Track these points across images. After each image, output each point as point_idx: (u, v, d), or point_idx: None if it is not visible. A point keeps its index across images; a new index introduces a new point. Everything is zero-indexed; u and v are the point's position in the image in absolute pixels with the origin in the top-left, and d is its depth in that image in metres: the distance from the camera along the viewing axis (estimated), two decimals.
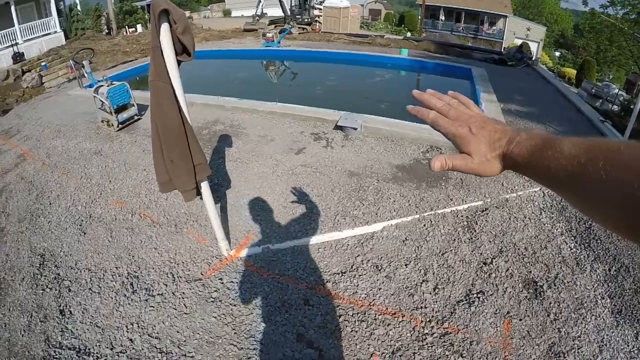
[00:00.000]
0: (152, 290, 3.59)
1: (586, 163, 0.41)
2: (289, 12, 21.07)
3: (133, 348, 3.06)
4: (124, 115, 7.21)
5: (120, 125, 7.13)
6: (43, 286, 3.78)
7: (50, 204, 5.04)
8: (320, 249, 3.97)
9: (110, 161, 6.02)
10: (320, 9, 22.29)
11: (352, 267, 3.71)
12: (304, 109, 7.35)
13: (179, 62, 2.74)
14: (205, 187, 3.32)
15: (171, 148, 2.92)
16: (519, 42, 23.10)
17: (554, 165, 0.46)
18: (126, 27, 21.04)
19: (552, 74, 13.07)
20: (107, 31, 20.50)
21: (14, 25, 16.57)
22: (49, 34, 18.07)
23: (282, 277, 3.62)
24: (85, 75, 10.29)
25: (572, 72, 22.01)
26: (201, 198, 3.44)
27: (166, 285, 3.64)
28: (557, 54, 36.82)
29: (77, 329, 3.28)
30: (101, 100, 7.08)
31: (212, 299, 3.43)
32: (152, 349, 3.04)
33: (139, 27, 20.86)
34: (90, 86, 9.20)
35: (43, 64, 14.65)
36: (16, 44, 16.38)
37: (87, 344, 3.15)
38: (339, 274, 3.65)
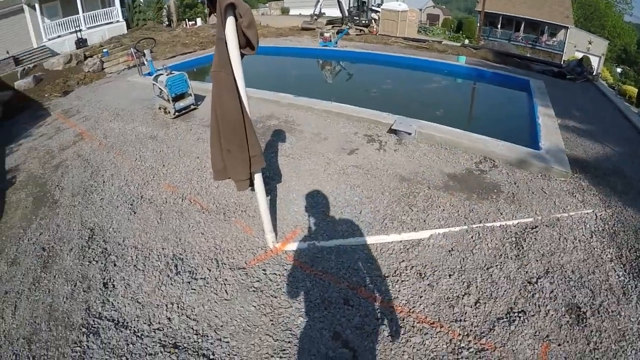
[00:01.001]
0: (196, 274, 3.72)
1: None
2: (346, 13, 21.35)
3: (170, 327, 3.20)
4: (181, 103, 7.58)
5: (176, 113, 7.51)
6: (89, 258, 4.03)
7: (104, 182, 5.38)
8: (365, 250, 3.96)
9: (165, 146, 6.34)
10: (378, 12, 22.41)
11: (395, 272, 3.68)
12: (359, 110, 7.38)
13: (242, 55, 2.86)
14: (258, 178, 3.43)
15: (229, 138, 3.04)
16: (579, 55, 22.01)
17: None
18: (186, 20, 22.23)
19: (612, 91, 12.36)
20: (167, 23, 21.80)
21: (78, 13, 18.00)
22: (112, 22, 19.47)
23: (324, 275, 3.65)
24: (146, 63, 10.90)
25: (633, 90, 20.65)
26: (253, 189, 3.54)
27: (210, 270, 3.77)
28: (619, 70, 34.94)
29: (118, 303, 3.47)
30: (160, 88, 7.51)
31: (254, 289, 3.51)
32: (189, 329, 3.16)
33: (198, 20, 21.95)
34: (150, 74, 9.74)
35: (105, 50, 15.76)
36: (80, 30, 17.75)
37: (126, 317, 3.32)
38: (381, 277, 3.63)
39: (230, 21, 2.64)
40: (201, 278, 3.67)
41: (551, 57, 28.42)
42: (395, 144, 6.23)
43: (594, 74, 12.84)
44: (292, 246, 4.04)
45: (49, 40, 17.35)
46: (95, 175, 5.52)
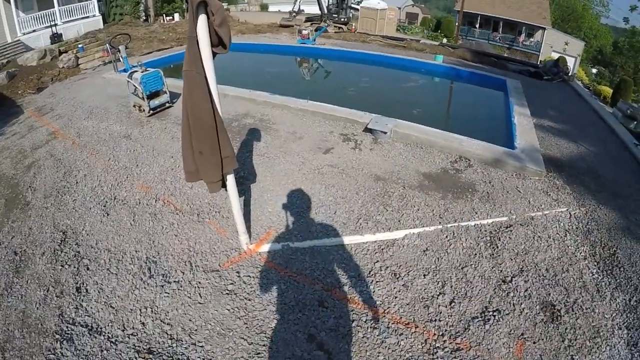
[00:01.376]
0: (169, 277, 3.71)
1: None
2: (325, 11, 21.33)
3: (144, 332, 3.19)
4: (156, 101, 7.50)
5: (151, 111, 7.42)
6: (62, 262, 3.98)
7: (76, 182, 5.30)
8: (340, 251, 4.00)
9: (139, 146, 6.26)
10: (357, 9, 22.48)
11: (370, 273, 3.74)
12: (335, 109, 7.42)
13: (214, 54, 2.85)
14: (230, 179, 3.42)
15: (200, 139, 3.02)
16: (556, 55, 22.54)
17: None
18: (164, 15, 21.78)
19: (587, 92, 12.73)
20: (144, 18, 21.34)
21: (54, 7, 17.49)
22: (88, 17, 18.96)
23: (299, 276, 3.68)
24: (121, 59, 10.73)
25: (608, 90, 21.22)
26: (226, 190, 3.54)
27: (183, 273, 3.76)
28: (594, 70, 35.94)
29: (91, 308, 3.44)
30: (134, 86, 7.40)
31: (227, 292, 3.52)
32: (163, 334, 3.16)
33: (176, 15, 21.57)
34: (125, 71, 9.60)
35: (80, 46, 15.37)
36: (55, 25, 17.25)
37: (100, 323, 3.30)
38: (356, 278, 3.68)
39: (202, 19, 2.62)
40: (175, 281, 3.67)
41: (528, 57, 28.97)
42: (371, 143, 6.29)
43: (569, 74, 13.17)
44: (266, 247, 4.05)
45: (24, 34, 16.78)
46: (68, 176, 5.43)
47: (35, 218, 4.70)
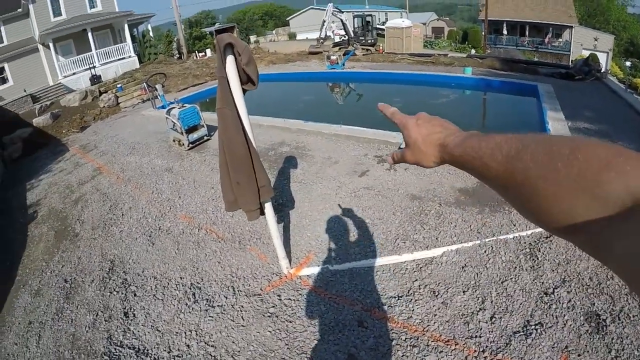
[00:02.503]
0: (213, 302, 3.89)
1: (515, 155, 0.45)
2: (352, 34, 21.85)
3: (189, 353, 3.34)
4: (194, 135, 7.92)
5: (190, 145, 7.85)
6: (110, 289, 4.25)
7: (122, 215, 5.68)
8: (379, 272, 4.07)
9: (180, 178, 6.64)
10: (382, 29, 22.89)
11: (409, 292, 3.77)
12: (368, 132, 7.58)
13: (244, 91, 3.11)
14: (268, 207, 3.62)
15: (237, 171, 3.26)
16: (586, 53, 21.91)
17: (486, 157, 0.51)
18: (196, 51, 23.04)
19: (622, 87, 12.27)
20: (178, 55, 22.66)
21: (91, 50, 18.97)
22: (124, 58, 20.41)
23: (338, 298, 3.76)
24: (158, 97, 11.40)
25: None
26: (265, 217, 3.74)
27: (226, 297, 3.93)
28: (628, 63, 34.23)
29: (138, 331, 3.65)
30: (173, 121, 7.87)
31: (269, 314, 3.64)
32: (207, 355, 3.30)
33: (208, 51, 22.75)
34: (163, 107, 10.19)
35: (119, 85, 16.46)
36: (94, 67, 18.64)
37: (147, 345, 3.49)
38: (395, 297, 3.71)
39: (230, 60, 2.86)
40: (218, 305, 3.83)
41: (559, 58, 28.35)
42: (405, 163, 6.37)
43: (601, 71, 12.88)
44: (306, 271, 4.18)
45: (64, 77, 18.26)
46: (114, 209, 5.81)
47: (84, 248, 5.04)
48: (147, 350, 3.43)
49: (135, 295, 4.10)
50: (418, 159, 0.69)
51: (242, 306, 3.79)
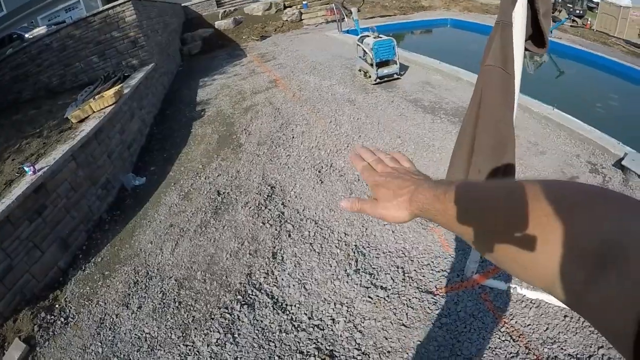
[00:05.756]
0: (376, 279, 3.35)
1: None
2: None
3: (332, 329, 2.95)
4: (385, 70, 7.40)
5: (378, 80, 7.36)
6: (264, 219, 3.96)
7: (293, 137, 5.41)
8: (568, 316, 3.04)
9: (364, 115, 6.15)
10: (593, 2, 19.39)
11: None
12: (585, 128, 6.17)
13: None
14: None
15: (485, 156, 2.51)
16: None
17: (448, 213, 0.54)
18: None
19: None
20: None
21: None
22: None
23: (514, 332, 2.91)
24: (347, 20, 11.07)
25: None
26: None
27: (393, 280, 3.35)
28: None
29: (282, 280, 3.32)
30: (364, 50, 7.42)
31: (440, 325, 2.99)
32: (352, 341, 2.87)
33: None
34: (349, 32, 9.78)
35: (304, 2, 16.77)
36: None
37: (287, 300, 3.16)
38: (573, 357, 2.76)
39: (522, 2, 2.14)
40: (382, 287, 3.29)
41: None
42: (620, 184, 4.99)
43: None
44: (491, 282, 3.37)
45: None
46: (284, 128, 5.58)
47: (244, 163, 4.86)
48: (286, 306, 3.13)
49: (289, 236, 3.76)
50: (386, 215, 0.68)
51: (409, 300, 3.18)
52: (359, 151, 0.83)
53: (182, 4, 17.67)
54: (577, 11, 19.23)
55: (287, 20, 15.32)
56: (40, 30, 13.10)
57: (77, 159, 4.60)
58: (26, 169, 4.09)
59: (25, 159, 4.78)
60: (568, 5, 19.45)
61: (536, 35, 2.29)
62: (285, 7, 16.82)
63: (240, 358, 2.84)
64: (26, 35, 13.40)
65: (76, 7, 23.42)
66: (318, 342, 2.86)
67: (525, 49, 2.33)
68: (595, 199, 0.38)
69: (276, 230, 3.82)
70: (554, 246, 0.38)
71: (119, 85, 6.39)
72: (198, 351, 2.95)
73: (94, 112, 5.54)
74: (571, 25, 16.95)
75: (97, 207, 4.76)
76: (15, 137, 6.12)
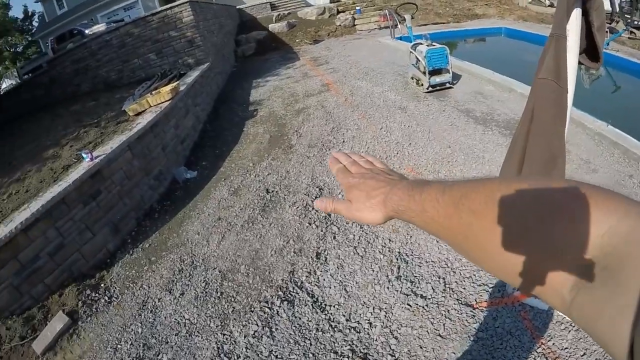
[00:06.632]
0: (417, 288, 3.37)
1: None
2: (617, 8, 17.84)
3: (368, 333, 2.99)
4: (437, 79, 7.38)
5: (430, 88, 7.36)
6: (310, 220, 4.07)
7: (343, 141, 5.53)
8: None
9: (415, 123, 6.17)
10: None
11: None
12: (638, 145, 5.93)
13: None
14: None
15: (534, 170, 2.52)
16: None
17: (429, 209, 0.51)
18: None
19: None
20: None
21: None
22: None
23: (551, 354, 2.84)
24: (400, 26, 11.12)
25: None
26: None
27: (434, 290, 3.36)
28: None
29: (324, 280, 3.40)
30: (417, 58, 7.43)
31: (476, 339, 2.97)
32: (386, 346, 2.90)
33: None
34: (402, 39, 9.83)
35: (358, 8, 17.01)
36: None
37: (327, 300, 3.23)
38: None
39: (576, 15, 2.12)
40: (421, 295, 3.30)
41: None
42: None
43: None
44: (531, 301, 3.29)
45: None
46: (335, 132, 5.70)
47: (294, 164, 5.01)
48: (325, 305, 3.20)
49: (334, 238, 3.85)
50: (359, 216, 0.66)
51: (448, 311, 3.18)
52: (336, 155, 0.82)
53: (237, 7, 18.30)
54: (636, 22, 18.33)
55: (340, 25, 15.54)
56: (100, 27, 13.85)
57: (133, 150, 4.89)
58: (84, 155, 4.40)
59: (82, 146, 5.12)
60: (626, 16, 18.56)
61: (590, 49, 2.28)
62: (338, 12, 17.08)
63: (275, 351, 2.93)
64: (86, 32, 14.20)
65: (134, 6, 24.72)
66: (353, 344, 2.91)
67: (579, 63, 2.33)
68: (584, 200, 0.35)
69: (322, 231, 3.92)
70: (540, 250, 0.37)
71: (176, 83, 6.72)
72: (235, 341, 3.07)
73: (151, 106, 5.86)
74: (629, 37, 16.26)
75: (148, 196, 5.05)
76: (74, 126, 6.55)
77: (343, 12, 17.00)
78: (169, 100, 5.91)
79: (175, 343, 3.18)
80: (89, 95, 9.30)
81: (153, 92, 6.33)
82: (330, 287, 3.34)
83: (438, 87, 7.52)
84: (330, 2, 18.95)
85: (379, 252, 3.69)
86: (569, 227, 0.34)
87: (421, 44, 7.60)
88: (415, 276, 3.48)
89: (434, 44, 7.55)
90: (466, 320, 3.15)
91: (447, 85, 7.61)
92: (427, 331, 3.03)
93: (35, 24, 28.47)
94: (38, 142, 6.35)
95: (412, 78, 7.77)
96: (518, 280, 0.40)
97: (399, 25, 11.49)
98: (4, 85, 20.29)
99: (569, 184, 0.38)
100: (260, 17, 17.85)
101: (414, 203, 0.54)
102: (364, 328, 3.04)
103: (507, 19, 15.95)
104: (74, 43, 11.99)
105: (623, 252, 0.31)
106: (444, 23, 15.94)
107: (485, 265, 0.46)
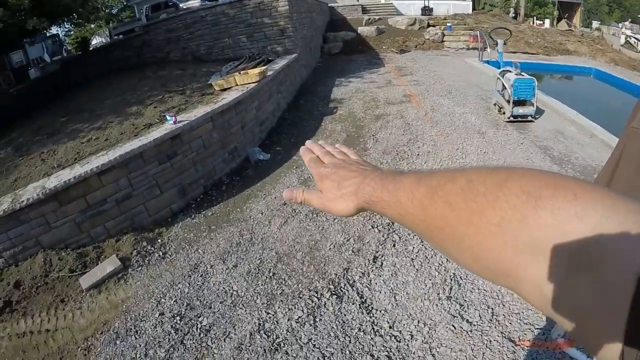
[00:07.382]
0: (465, 311, 3.37)
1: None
2: None
3: (407, 344, 3.02)
4: (520, 110, 7.22)
5: (511, 118, 7.21)
6: (374, 224, 4.21)
7: (417, 155, 5.61)
8: None
9: (491, 150, 6.12)
10: None
11: None
12: None
13: None
14: None
15: None
16: None
17: (404, 200, 0.50)
18: (534, 17, 22.49)
19: None
20: (513, 15, 22.50)
21: None
22: None
23: None
24: (488, 50, 10.99)
25: None
26: None
27: (481, 318, 3.35)
28: None
29: (376, 284, 3.48)
30: (504, 85, 7.31)
31: None
32: None
33: (547, 21, 21.77)
34: (493, 63, 9.70)
35: (448, 24, 16.93)
36: None
37: (375, 304, 3.29)
38: None
39: None
40: (467, 320, 3.31)
41: None
42: None
43: None
44: (573, 352, 3.22)
45: (397, 0, 20.70)
46: (411, 144, 5.77)
47: None
48: (372, 309, 3.26)
49: (394, 246, 3.92)
50: (331, 207, 0.65)
51: (490, 341, 3.16)
52: (309, 145, 0.81)
53: (329, 4, 18.66)
54: None
55: (428, 38, 15.52)
56: (194, 2, 14.56)
57: (214, 122, 5.18)
58: (168, 117, 4.70)
59: (166, 109, 5.46)
60: None
61: None
62: (428, 26, 17.05)
63: (314, 340, 3.01)
64: (181, 5, 15.02)
65: None
66: (391, 351, 2.96)
67: None
68: (566, 193, 0.34)
69: (383, 236, 4.01)
70: (518, 243, 0.35)
71: (264, 67, 7.01)
72: (277, 321, 3.18)
73: (237, 85, 6.15)
74: None
75: (220, 168, 5.33)
76: (160, 89, 6.97)
77: (433, 26, 16.95)
78: (255, 82, 6.17)
79: (219, 310, 3.34)
80: (176, 64, 9.83)
81: (241, 72, 6.64)
82: (380, 292, 3.41)
83: (520, 119, 7.36)
84: (422, 15, 19.04)
85: (435, 269, 3.73)
86: (549, 220, 0.33)
87: (510, 71, 7.48)
88: (465, 300, 3.49)
89: (522, 73, 7.40)
90: (505, 354, 3.13)
91: (529, 118, 7.42)
92: (465, 356, 3.03)
93: None
94: (123, 98, 6.82)
95: (495, 104, 7.67)
96: (493, 274, 0.40)
97: (487, 49, 11.35)
98: (94, 42, 21.75)
99: (554, 176, 0.36)
100: (351, 18, 18.11)
101: (387, 194, 0.53)
102: (405, 338, 3.08)
103: (599, 59, 15.30)
104: (168, 14, 12.75)
105: (608, 249, 0.30)
106: (533, 53, 15.55)
107: (460, 258, 0.44)
